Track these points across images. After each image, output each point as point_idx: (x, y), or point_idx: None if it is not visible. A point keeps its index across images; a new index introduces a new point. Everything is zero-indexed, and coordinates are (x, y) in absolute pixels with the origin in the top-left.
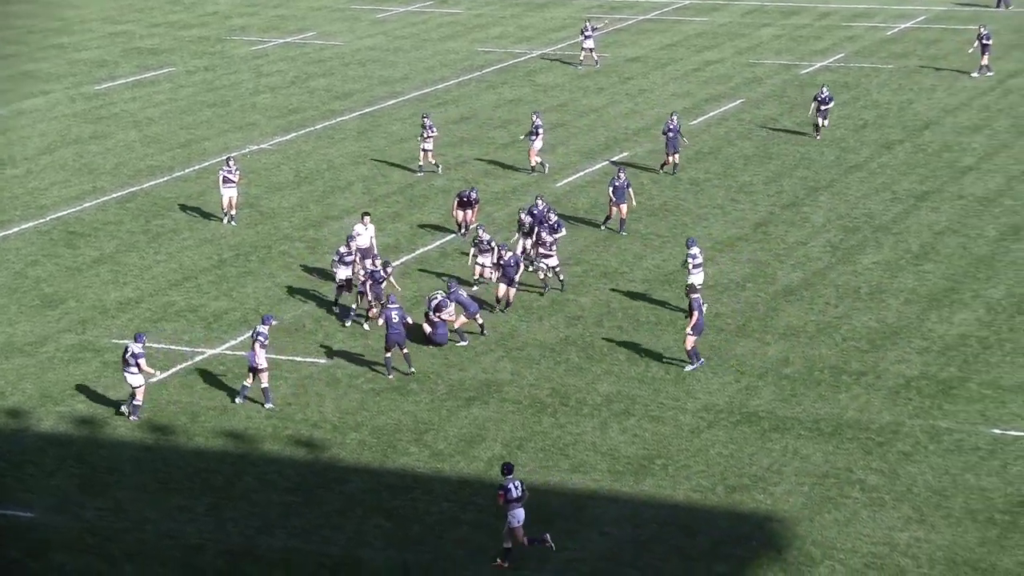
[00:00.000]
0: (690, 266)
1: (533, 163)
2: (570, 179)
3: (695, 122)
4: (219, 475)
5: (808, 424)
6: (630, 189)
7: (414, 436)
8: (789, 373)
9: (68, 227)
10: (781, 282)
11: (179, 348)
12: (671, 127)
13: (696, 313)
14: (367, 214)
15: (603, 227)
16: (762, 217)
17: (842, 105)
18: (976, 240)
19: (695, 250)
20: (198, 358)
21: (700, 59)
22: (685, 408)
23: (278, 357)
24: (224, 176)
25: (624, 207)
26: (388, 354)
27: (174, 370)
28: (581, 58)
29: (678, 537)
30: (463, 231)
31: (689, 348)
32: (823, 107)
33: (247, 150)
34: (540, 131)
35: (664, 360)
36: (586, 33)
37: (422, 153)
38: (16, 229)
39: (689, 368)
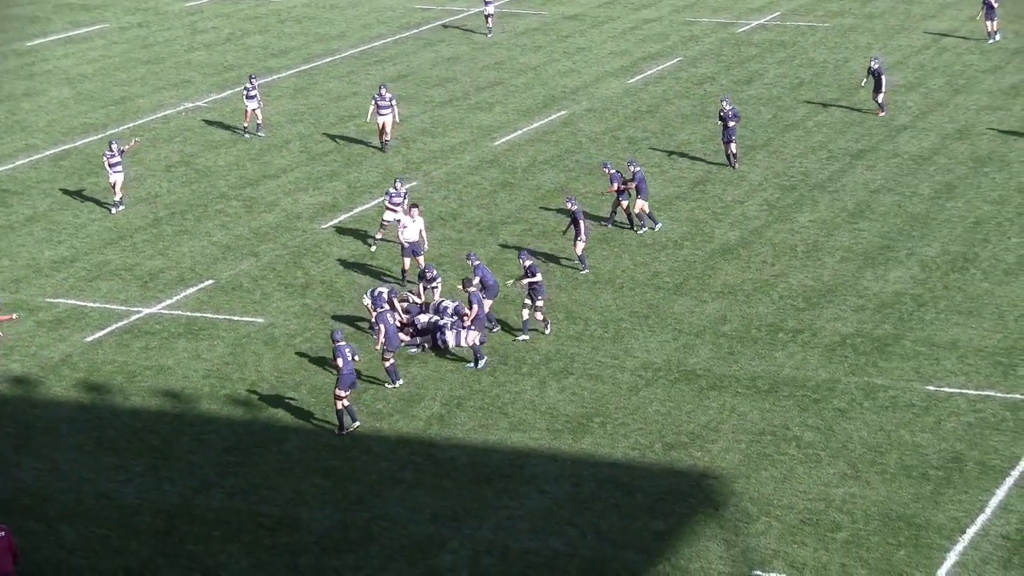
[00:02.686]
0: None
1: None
2: (508, 138)
3: (632, 80)
4: (156, 435)
5: (745, 382)
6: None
7: (353, 395)
8: (726, 331)
9: (1, 185)
10: (718, 240)
11: (115, 307)
12: (724, 112)
13: (476, 307)
14: (416, 206)
15: (610, 224)
16: (699, 176)
17: (779, 63)
18: (911, 198)
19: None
20: (134, 317)
21: (637, 17)
22: (623, 366)
23: (215, 316)
24: (108, 160)
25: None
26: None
27: (109, 329)
28: (489, 25)
29: (616, 494)
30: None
31: (471, 344)
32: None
33: (182, 107)
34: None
35: (602, 318)
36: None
37: (249, 112)
38: None
39: (470, 367)
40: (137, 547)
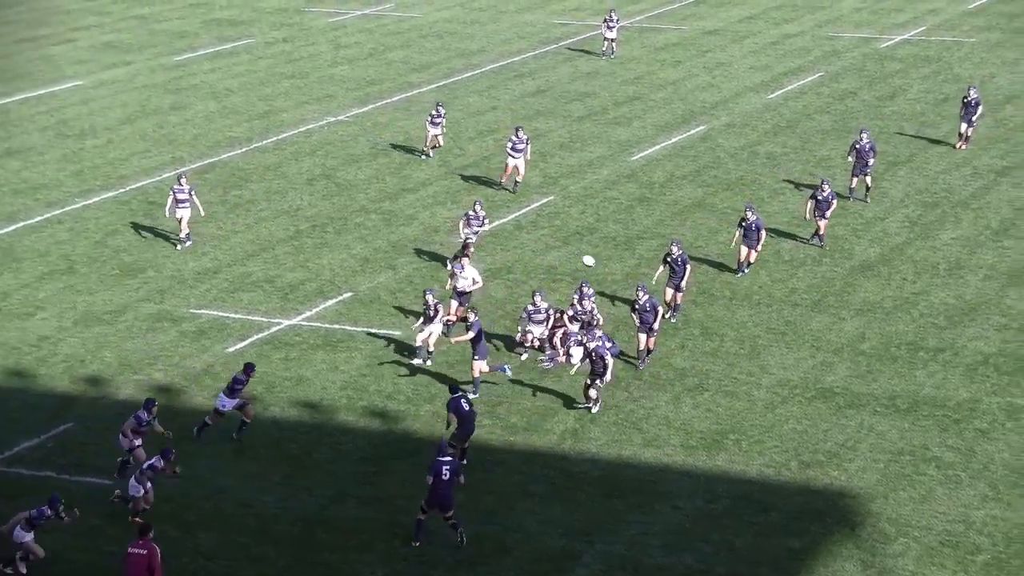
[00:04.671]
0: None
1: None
2: (647, 152)
3: (773, 95)
4: (294, 444)
5: (884, 400)
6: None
7: (487, 408)
8: (865, 349)
9: (148, 197)
10: (858, 257)
11: (255, 318)
12: (861, 144)
13: (471, 333)
14: (467, 255)
15: (811, 241)
16: (840, 191)
17: (923, 79)
18: None
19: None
20: (274, 328)
21: (778, 32)
22: (759, 383)
23: (354, 328)
24: (176, 195)
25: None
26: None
27: (250, 340)
28: (603, 48)
29: (751, 512)
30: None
31: (476, 375)
32: (969, 112)
33: (325, 122)
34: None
35: (738, 334)
36: (609, 24)
37: (430, 137)
38: (96, 199)
39: (473, 395)
40: (275, 555)
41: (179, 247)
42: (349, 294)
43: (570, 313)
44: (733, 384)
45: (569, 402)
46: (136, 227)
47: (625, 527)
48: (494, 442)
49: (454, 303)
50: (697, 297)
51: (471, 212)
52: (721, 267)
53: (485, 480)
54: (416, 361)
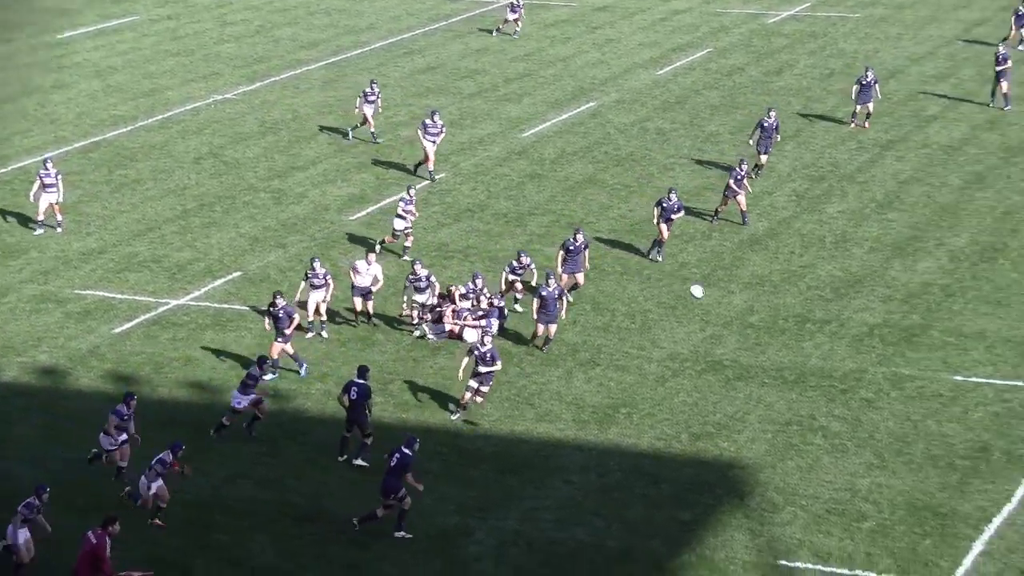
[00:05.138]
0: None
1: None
2: (537, 129)
3: (662, 72)
4: (185, 426)
5: (772, 372)
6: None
7: (379, 386)
8: (754, 322)
9: (30, 177)
10: (747, 231)
11: (142, 299)
12: (769, 123)
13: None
14: (373, 251)
15: (715, 219)
16: (728, 167)
17: (809, 54)
18: (940, 189)
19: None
20: (162, 309)
21: (667, 8)
22: (650, 357)
23: (243, 308)
24: (43, 180)
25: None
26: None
27: (137, 321)
28: (501, 27)
29: (642, 485)
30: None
31: (275, 355)
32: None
33: (211, 100)
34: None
35: (629, 309)
36: (514, 6)
37: (363, 114)
38: None
39: (273, 376)
40: (167, 537)
41: (37, 231)
42: (238, 273)
43: (462, 291)
44: (624, 358)
45: (465, 379)
46: (18, 207)
47: (518, 502)
48: (387, 419)
49: (358, 300)
50: (588, 272)
51: (407, 196)
52: (612, 243)
53: (378, 459)
54: (309, 335)
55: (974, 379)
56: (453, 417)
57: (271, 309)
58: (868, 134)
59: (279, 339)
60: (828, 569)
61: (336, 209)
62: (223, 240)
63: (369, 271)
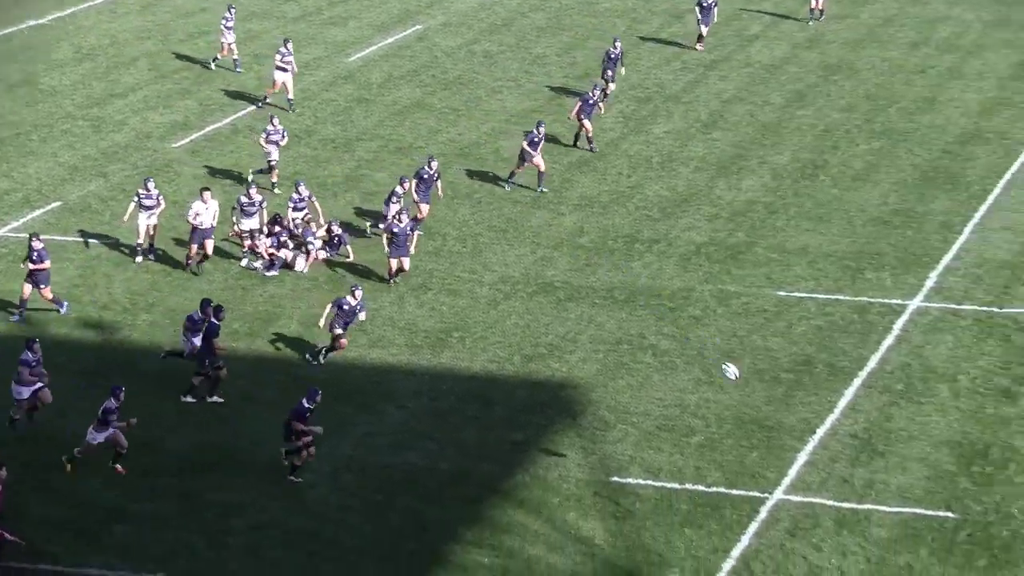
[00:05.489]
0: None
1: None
2: (364, 53)
3: None
4: (5, 360)
5: (602, 292)
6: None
7: None
8: (584, 243)
9: None
10: (575, 153)
11: None
12: (616, 54)
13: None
14: (208, 189)
15: (508, 184)
16: (556, 89)
17: None
18: (763, 108)
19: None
20: None
21: None
22: (482, 281)
23: (64, 238)
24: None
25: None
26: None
27: None
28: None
29: (475, 408)
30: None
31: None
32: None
33: (25, 25)
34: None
35: (460, 233)
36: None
37: (226, 46)
38: None
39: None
40: None
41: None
42: (58, 203)
43: (291, 215)
44: (456, 282)
45: (294, 306)
46: None
47: (352, 428)
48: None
49: (194, 247)
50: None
51: (269, 127)
52: (441, 167)
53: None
54: (138, 260)
55: (797, 294)
56: (314, 362)
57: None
58: (692, 54)
59: (30, 280)
60: (659, 484)
61: (159, 137)
62: (41, 169)
63: (208, 210)
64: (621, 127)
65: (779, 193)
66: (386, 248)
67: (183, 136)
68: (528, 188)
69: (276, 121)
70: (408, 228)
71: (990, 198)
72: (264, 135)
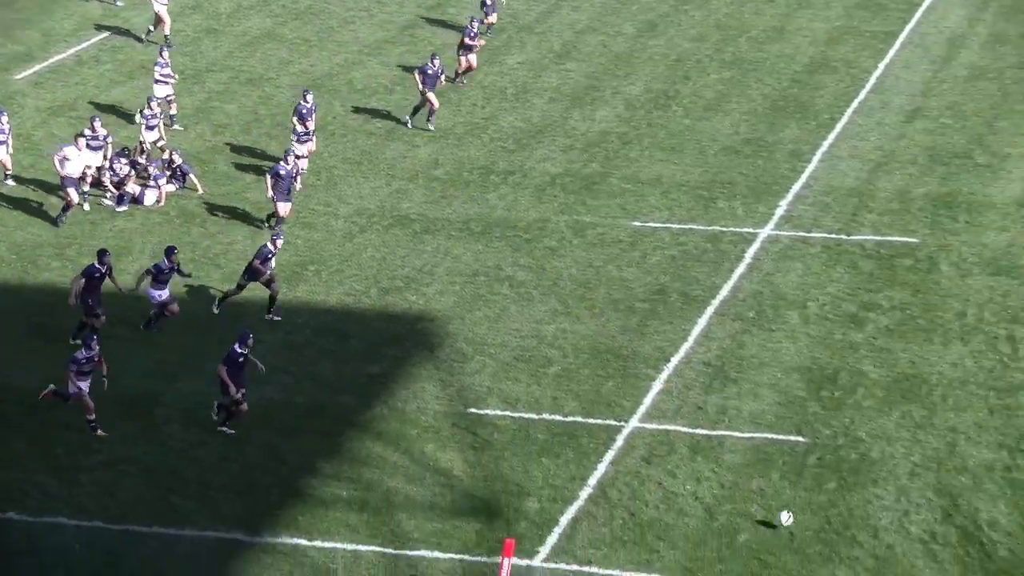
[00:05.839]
0: None
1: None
2: None
3: None
4: None
5: (458, 224)
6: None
7: (56, 251)
8: (439, 175)
9: None
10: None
11: None
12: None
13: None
14: (83, 135)
15: (410, 121)
16: (408, 20)
17: None
18: (615, 38)
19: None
20: None
21: None
22: (337, 213)
23: None
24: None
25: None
26: None
27: None
28: None
29: (331, 341)
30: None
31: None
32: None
33: None
34: None
35: (315, 166)
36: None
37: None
38: None
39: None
40: None
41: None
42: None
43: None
44: (311, 215)
45: (144, 240)
46: None
47: (205, 364)
48: (63, 285)
49: (72, 191)
50: (271, 130)
51: (160, 60)
52: (293, 99)
53: (59, 326)
54: (86, 207)
55: (651, 224)
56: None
57: None
58: None
59: None
60: (516, 414)
61: (1, 68)
62: None
63: (81, 158)
64: (476, 58)
65: (632, 124)
66: (269, 191)
67: (26, 67)
68: (381, 122)
69: (166, 53)
70: (293, 171)
71: (838, 126)
72: (157, 67)
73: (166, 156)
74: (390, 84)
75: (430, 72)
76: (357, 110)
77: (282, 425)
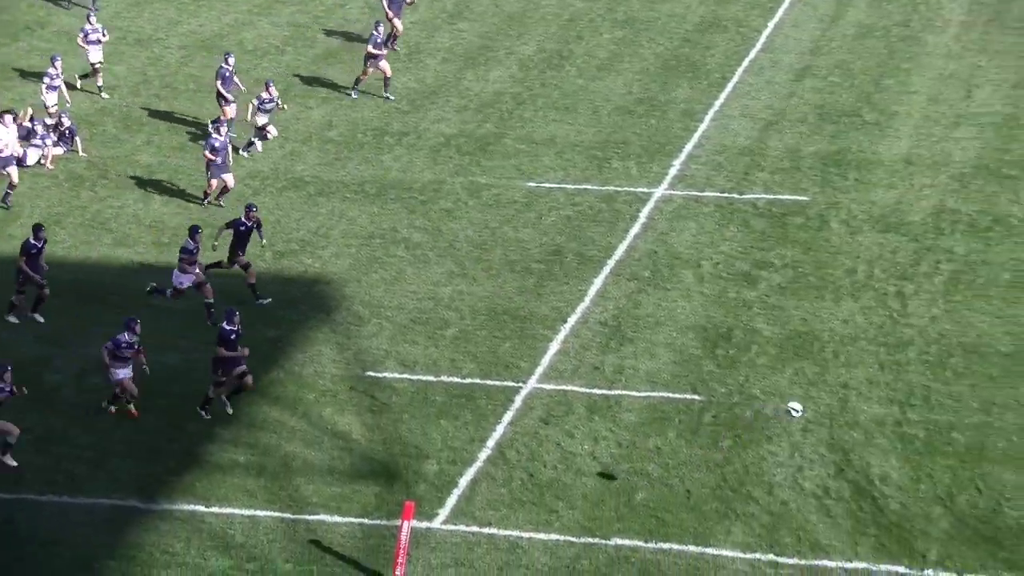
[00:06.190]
0: None
1: None
2: None
3: None
4: None
5: (353, 187)
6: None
7: None
8: (333, 136)
9: None
10: (321, 45)
11: None
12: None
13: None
14: (9, 111)
15: (354, 92)
16: None
17: None
18: None
19: None
20: None
21: None
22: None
23: None
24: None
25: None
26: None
27: None
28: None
29: (228, 304)
30: None
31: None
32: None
33: None
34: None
35: (204, 131)
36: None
37: None
38: None
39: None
40: None
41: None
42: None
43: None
44: (203, 178)
45: (33, 205)
46: None
47: (99, 329)
48: None
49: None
50: (161, 91)
51: (90, 26)
52: (184, 62)
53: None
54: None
55: (546, 185)
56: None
57: None
58: None
59: None
60: (414, 377)
61: None
62: None
63: (10, 133)
64: (367, 18)
65: (526, 84)
66: (207, 166)
67: None
68: (275, 82)
69: (93, 19)
70: (227, 141)
71: (729, 86)
72: (82, 35)
73: (54, 117)
74: (281, 44)
75: (379, 41)
76: (249, 71)
77: (182, 390)
